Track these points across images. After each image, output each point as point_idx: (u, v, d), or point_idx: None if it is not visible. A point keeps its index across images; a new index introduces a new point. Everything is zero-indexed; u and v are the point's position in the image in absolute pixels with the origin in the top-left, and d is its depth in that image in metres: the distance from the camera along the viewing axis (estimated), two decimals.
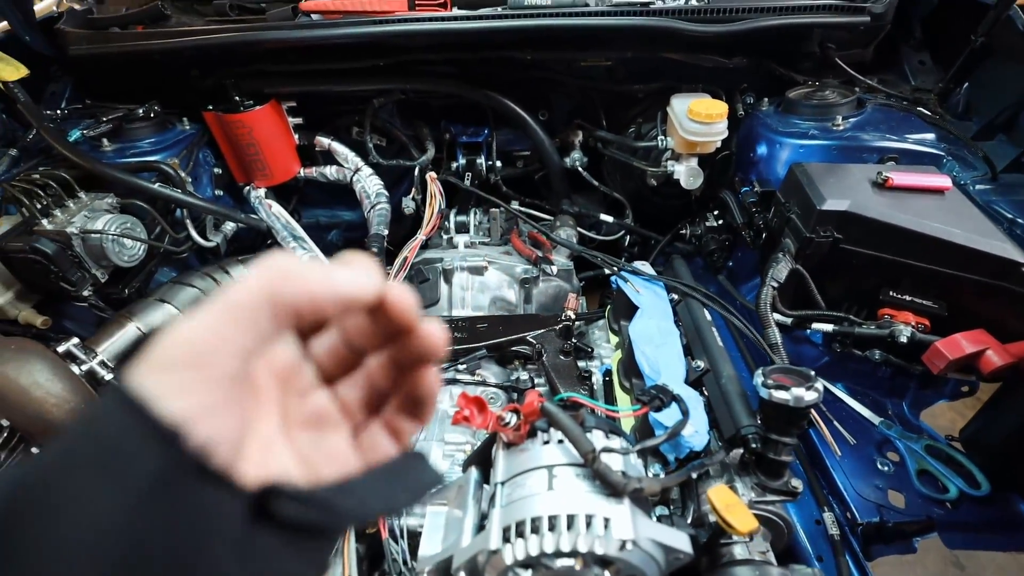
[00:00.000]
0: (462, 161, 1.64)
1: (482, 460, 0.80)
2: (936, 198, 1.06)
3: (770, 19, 1.23)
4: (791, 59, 1.41)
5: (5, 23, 1.45)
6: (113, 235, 1.16)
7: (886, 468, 1.07)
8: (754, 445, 0.79)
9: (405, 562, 0.82)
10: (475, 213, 1.58)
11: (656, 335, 1.04)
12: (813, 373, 0.77)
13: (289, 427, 0.33)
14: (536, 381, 1.17)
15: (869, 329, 1.05)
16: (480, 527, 0.71)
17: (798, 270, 1.09)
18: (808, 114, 1.28)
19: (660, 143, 1.39)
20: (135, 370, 0.25)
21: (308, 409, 0.34)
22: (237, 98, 1.43)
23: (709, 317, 1.08)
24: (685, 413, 0.77)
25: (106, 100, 1.53)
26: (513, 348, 1.18)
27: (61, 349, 1.01)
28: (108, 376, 1.04)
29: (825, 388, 1.20)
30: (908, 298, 1.06)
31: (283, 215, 1.52)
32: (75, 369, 1.00)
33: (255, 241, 1.64)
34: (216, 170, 1.53)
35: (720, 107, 1.22)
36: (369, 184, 1.56)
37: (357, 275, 0.30)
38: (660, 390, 0.80)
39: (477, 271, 1.37)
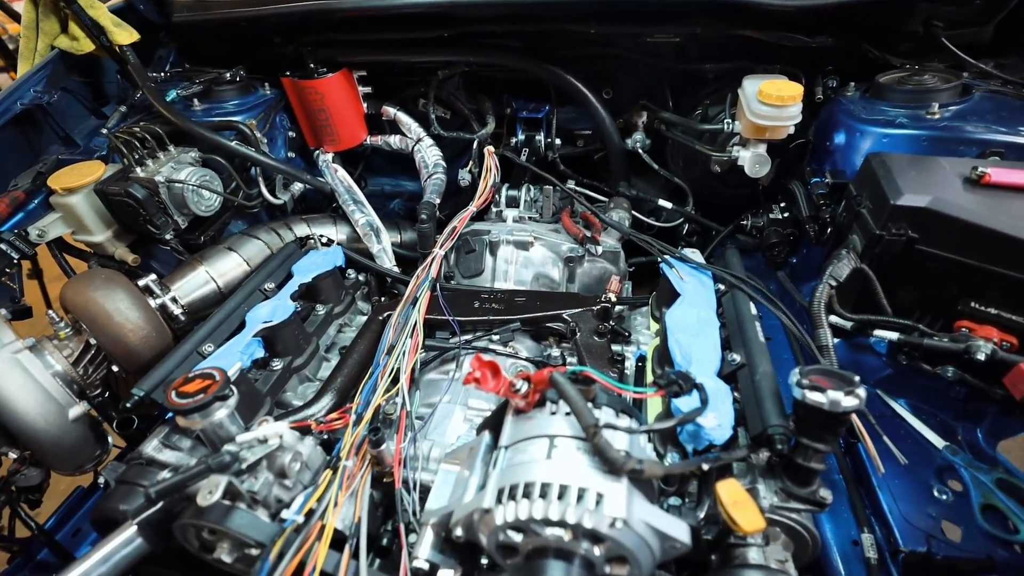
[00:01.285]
0: (521, 137, 1.64)
1: (496, 425, 0.81)
2: None
3: None
4: (888, 39, 1.26)
5: None
6: (193, 186, 1.28)
7: (944, 497, 0.97)
8: (780, 447, 0.74)
9: (414, 512, 0.85)
10: (528, 189, 1.57)
11: (694, 324, 0.99)
12: (857, 378, 0.70)
13: None
14: (569, 359, 1.16)
15: (941, 342, 0.95)
16: (483, 487, 0.72)
17: (863, 270, 0.99)
18: (899, 100, 1.15)
19: (727, 126, 1.31)
20: None
21: None
22: (312, 65, 1.51)
23: (755, 311, 1.02)
24: (704, 402, 0.74)
25: (202, 64, 1.67)
26: (548, 324, 1.18)
27: (141, 283, 1.13)
28: (177, 311, 1.16)
29: (884, 403, 1.11)
30: (993, 311, 0.93)
31: (347, 179, 1.60)
32: (151, 302, 1.12)
33: (321, 204, 1.74)
34: (290, 133, 1.64)
35: (794, 89, 1.13)
36: (429, 154, 1.60)
37: None
38: (681, 376, 0.77)
39: (522, 246, 1.37)
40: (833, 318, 1.01)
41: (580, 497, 0.61)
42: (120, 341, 1.05)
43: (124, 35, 1.50)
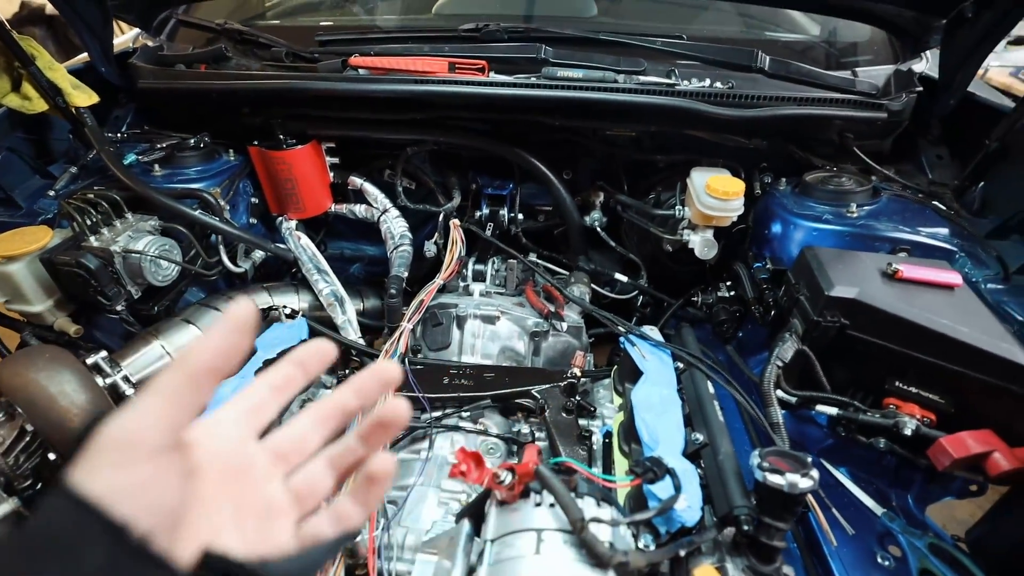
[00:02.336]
0: (486, 211, 1.71)
1: (475, 513, 0.81)
2: (945, 294, 1.08)
3: (790, 108, 1.29)
4: (810, 144, 1.46)
5: (85, 54, 1.59)
6: (151, 256, 1.23)
7: (887, 563, 1.04)
8: (746, 527, 0.79)
9: None
10: (493, 262, 1.63)
11: (658, 403, 1.05)
12: (810, 460, 0.78)
13: (242, 517, 0.36)
14: (537, 435, 1.18)
15: (873, 417, 1.05)
16: None
17: (804, 351, 1.10)
18: (824, 198, 1.32)
19: (677, 212, 1.43)
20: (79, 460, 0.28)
21: (261, 501, 0.38)
22: (281, 136, 1.53)
23: (712, 390, 1.09)
24: (678, 488, 0.78)
25: (163, 127, 1.65)
26: (517, 400, 1.20)
27: (90, 361, 1.06)
28: (129, 391, 1.09)
29: (828, 472, 1.20)
30: (914, 390, 1.05)
31: (310, 247, 1.59)
32: (100, 381, 1.05)
33: (280, 269, 1.71)
34: (253, 200, 1.62)
35: (737, 185, 1.27)
36: (395, 225, 1.63)
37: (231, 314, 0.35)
38: (654, 462, 0.81)
39: (489, 320, 1.40)
40: (780, 393, 1.11)
41: None
42: (62, 426, 0.97)
43: (83, 98, 1.46)
